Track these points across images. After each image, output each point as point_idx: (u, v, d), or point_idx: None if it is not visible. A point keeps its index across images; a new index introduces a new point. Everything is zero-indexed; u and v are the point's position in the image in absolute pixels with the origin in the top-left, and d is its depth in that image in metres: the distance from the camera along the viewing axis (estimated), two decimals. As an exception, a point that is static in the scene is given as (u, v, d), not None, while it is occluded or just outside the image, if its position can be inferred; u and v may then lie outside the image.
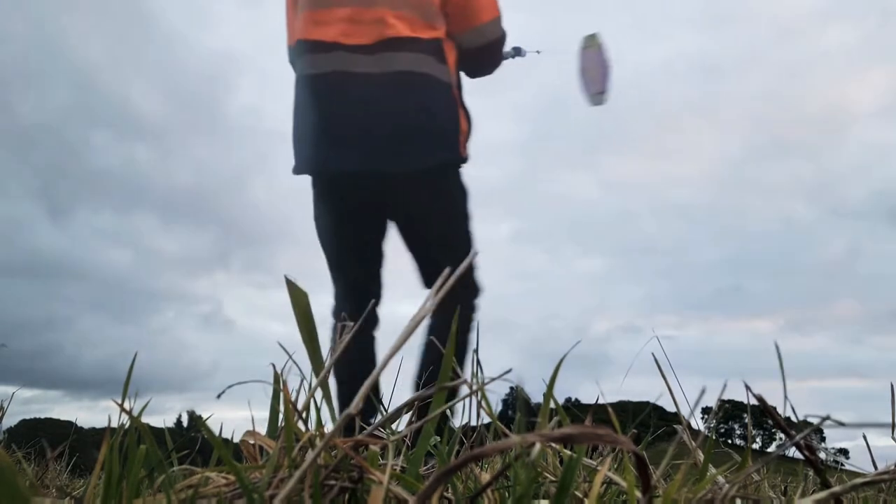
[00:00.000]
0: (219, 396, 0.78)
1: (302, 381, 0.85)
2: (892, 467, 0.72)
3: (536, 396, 0.89)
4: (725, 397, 0.84)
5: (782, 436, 0.76)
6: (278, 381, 0.87)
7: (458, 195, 2.18)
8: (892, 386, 0.83)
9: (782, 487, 1.43)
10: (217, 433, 0.82)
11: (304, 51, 1.99)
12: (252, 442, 0.86)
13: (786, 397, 0.77)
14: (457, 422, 0.93)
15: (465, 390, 0.76)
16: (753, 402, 0.77)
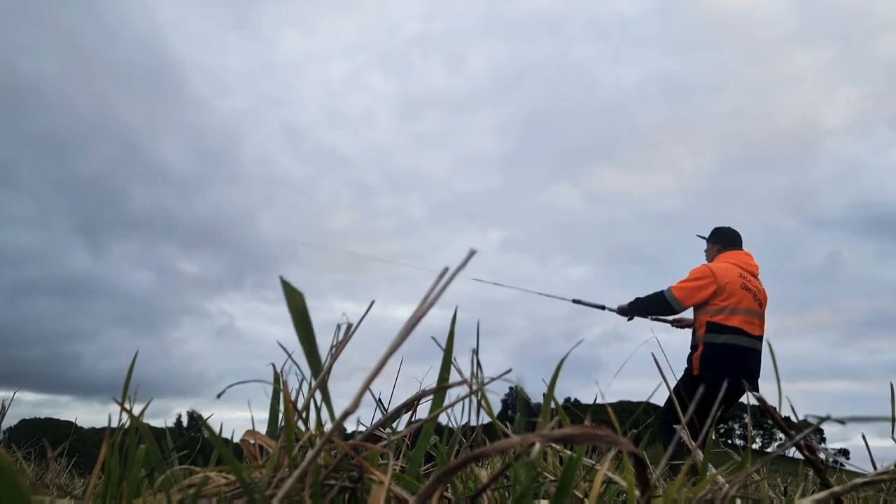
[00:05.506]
0: (219, 396, 0.78)
1: (302, 381, 0.85)
2: (892, 467, 0.72)
3: (534, 399, 0.89)
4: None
5: (782, 436, 0.76)
6: (278, 381, 0.87)
7: None
8: (891, 385, 0.83)
9: (782, 487, 1.42)
10: (217, 433, 0.83)
11: (739, 333, 4.58)
12: (252, 441, 0.86)
13: (780, 395, 0.77)
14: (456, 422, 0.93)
15: (465, 390, 0.76)
16: (753, 401, 0.77)
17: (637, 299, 4.98)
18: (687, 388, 4.51)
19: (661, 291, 4.82)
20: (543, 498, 0.83)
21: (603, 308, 5.19)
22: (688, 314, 4.96)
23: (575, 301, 5.22)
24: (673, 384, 1.07)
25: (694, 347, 4.71)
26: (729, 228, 5.06)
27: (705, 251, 5.16)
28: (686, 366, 4.75)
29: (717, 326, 4.58)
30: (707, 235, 5.16)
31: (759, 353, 4.61)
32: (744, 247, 5.02)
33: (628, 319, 5.10)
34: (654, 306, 4.90)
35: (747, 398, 0.81)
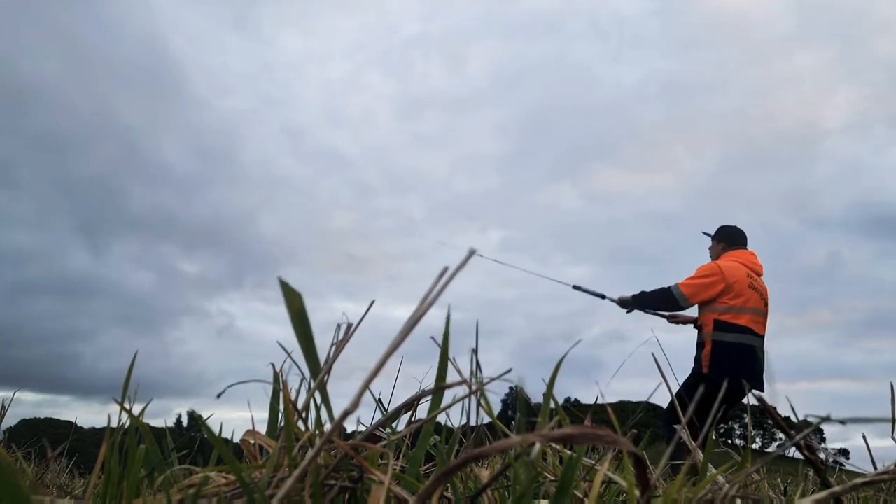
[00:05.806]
0: (219, 396, 0.78)
1: (301, 381, 0.85)
2: (892, 467, 0.72)
3: (534, 399, 0.89)
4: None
5: (782, 436, 0.76)
6: (278, 381, 0.87)
7: None
8: (891, 385, 0.83)
9: (782, 487, 1.42)
10: (217, 433, 0.82)
11: (747, 332, 4.61)
12: (252, 441, 0.86)
13: (775, 395, 0.77)
14: (456, 422, 0.93)
15: (464, 390, 0.76)
16: (753, 401, 0.77)
17: (642, 293, 4.95)
18: (696, 387, 4.55)
19: (668, 287, 4.78)
20: (543, 498, 0.83)
21: (603, 297, 5.16)
22: (687, 311, 4.95)
23: (575, 287, 5.24)
24: (674, 384, 1.07)
25: (701, 346, 4.69)
26: (734, 227, 5.05)
27: (710, 249, 5.15)
28: (694, 365, 4.72)
29: (725, 325, 4.57)
30: (712, 233, 5.15)
31: (763, 351, 4.62)
32: (747, 246, 5.02)
33: (627, 312, 5.07)
34: (659, 301, 4.87)
35: (748, 398, 0.81)
